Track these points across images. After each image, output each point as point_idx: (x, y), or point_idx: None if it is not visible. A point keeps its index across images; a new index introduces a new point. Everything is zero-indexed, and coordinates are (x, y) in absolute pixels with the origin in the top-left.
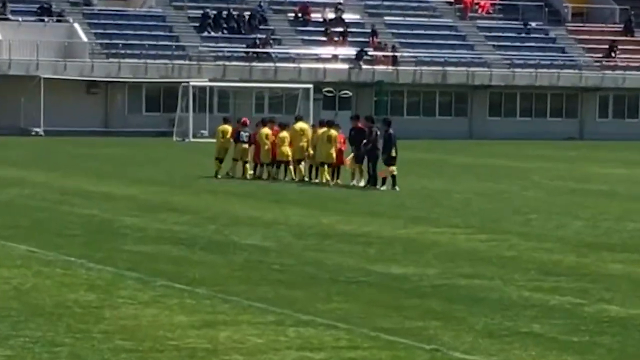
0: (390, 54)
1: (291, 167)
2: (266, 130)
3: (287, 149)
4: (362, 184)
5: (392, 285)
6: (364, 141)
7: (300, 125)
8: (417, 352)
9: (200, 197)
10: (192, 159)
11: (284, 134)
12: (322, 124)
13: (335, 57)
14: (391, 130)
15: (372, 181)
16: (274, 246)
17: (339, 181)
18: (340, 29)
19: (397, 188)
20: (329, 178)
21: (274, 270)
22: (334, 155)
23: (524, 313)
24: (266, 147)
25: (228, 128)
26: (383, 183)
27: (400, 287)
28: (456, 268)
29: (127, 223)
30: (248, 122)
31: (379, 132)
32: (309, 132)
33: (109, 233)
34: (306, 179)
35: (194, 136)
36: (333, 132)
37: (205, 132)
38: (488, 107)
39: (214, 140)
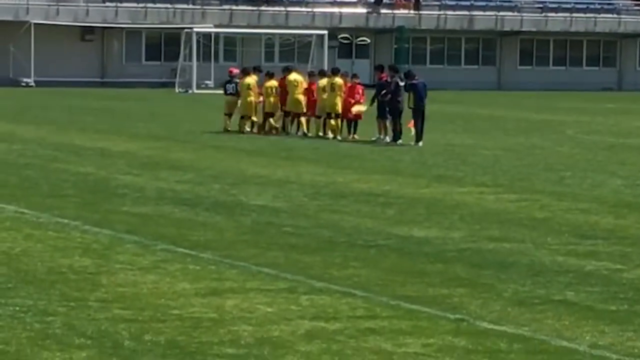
0: None
1: (271, 120)
2: (249, 80)
3: (275, 100)
4: (387, 140)
5: (413, 249)
6: (382, 92)
7: (294, 76)
8: (441, 322)
9: (205, 154)
10: (195, 112)
11: (272, 82)
12: (321, 73)
13: (352, 1)
14: (414, 81)
15: (396, 137)
16: (285, 207)
17: (356, 136)
18: None
19: (420, 144)
20: (335, 130)
21: (285, 233)
22: (339, 105)
23: (557, 279)
24: (249, 99)
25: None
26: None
27: (423, 251)
28: (483, 230)
29: (125, 182)
30: (234, 71)
31: (400, 82)
32: (304, 83)
33: (106, 193)
34: (309, 134)
35: (198, 87)
36: (338, 80)
37: (210, 83)
38: (518, 55)
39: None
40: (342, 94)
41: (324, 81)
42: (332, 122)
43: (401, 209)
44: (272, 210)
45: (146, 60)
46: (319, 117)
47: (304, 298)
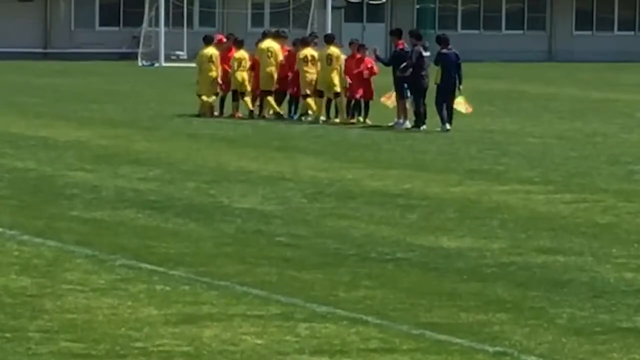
0: None
1: (247, 98)
2: (210, 51)
3: (242, 75)
4: (407, 125)
5: (442, 264)
6: (402, 65)
7: (267, 44)
8: (477, 356)
9: (176, 144)
10: (164, 91)
11: (241, 54)
12: (304, 42)
13: None
14: (445, 50)
15: (419, 122)
16: (278, 211)
17: (368, 120)
18: None
19: (447, 126)
20: (317, 109)
21: (279, 244)
22: (337, 82)
23: (625, 302)
24: (211, 74)
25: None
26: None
27: (454, 266)
28: (531, 240)
29: (75, 180)
30: (222, 39)
31: (423, 52)
32: (279, 54)
33: (51, 194)
34: (311, 119)
35: (167, 59)
36: (334, 50)
37: (182, 54)
38: (574, 17)
39: (194, 65)
40: (339, 68)
41: (306, 52)
42: (310, 100)
43: (426, 213)
44: (262, 215)
45: (101, 25)
46: (305, 96)
47: (303, 327)
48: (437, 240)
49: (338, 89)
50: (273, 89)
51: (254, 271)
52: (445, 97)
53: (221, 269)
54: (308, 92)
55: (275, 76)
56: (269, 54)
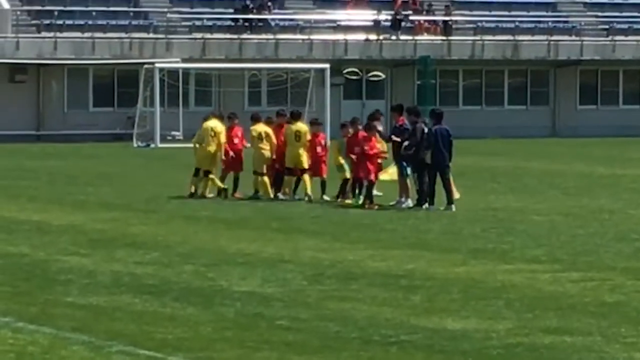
0: (440, 18)
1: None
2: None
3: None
4: (409, 204)
5: (447, 346)
6: (405, 143)
7: (212, 123)
8: None
9: (173, 227)
10: (160, 172)
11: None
12: (254, 118)
13: (360, 25)
14: (436, 127)
15: (422, 199)
16: (278, 293)
17: (325, 196)
18: None
19: (453, 207)
20: (309, 191)
21: (280, 327)
22: (304, 158)
23: None
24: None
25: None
26: (426, 201)
27: (459, 348)
28: (537, 320)
29: (69, 265)
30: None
31: (425, 130)
32: (222, 134)
33: (45, 279)
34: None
35: (162, 140)
36: (302, 126)
37: (178, 134)
38: (578, 92)
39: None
40: (307, 144)
41: (259, 128)
42: (266, 179)
43: (430, 294)
44: (262, 298)
45: (94, 106)
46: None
47: None
48: (441, 321)
49: (305, 165)
50: (211, 168)
51: (254, 356)
52: (436, 174)
53: (221, 354)
54: (262, 170)
55: (217, 155)
56: (212, 133)
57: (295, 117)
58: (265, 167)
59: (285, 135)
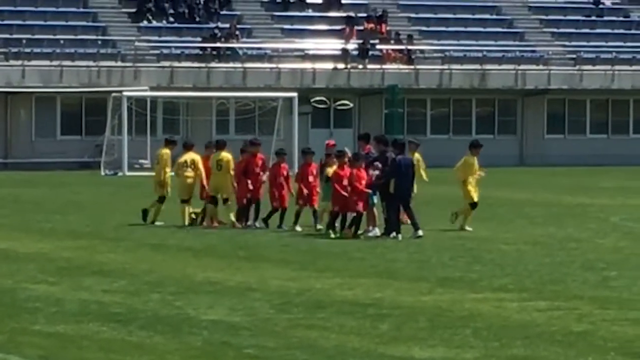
0: (407, 47)
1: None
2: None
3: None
4: (376, 232)
5: None
6: (376, 172)
7: (189, 156)
8: None
9: (140, 255)
10: (128, 200)
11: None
12: (186, 146)
13: (327, 54)
14: (400, 157)
15: (389, 229)
16: (245, 322)
17: (297, 227)
18: (336, 14)
19: (420, 232)
20: (233, 219)
21: (247, 356)
22: (228, 188)
23: None
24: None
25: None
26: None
27: None
28: (504, 349)
29: (37, 293)
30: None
31: (395, 157)
32: (200, 164)
33: (12, 307)
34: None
35: (130, 168)
36: (225, 155)
37: (146, 162)
38: (546, 121)
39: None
40: (231, 172)
41: (186, 156)
42: (187, 207)
43: (397, 323)
44: (229, 327)
45: (62, 134)
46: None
47: None
48: (409, 350)
49: (227, 194)
50: (186, 197)
51: None
52: (398, 204)
53: None
54: (185, 197)
55: (194, 186)
56: (192, 165)
57: (220, 146)
58: (203, 194)
59: (210, 165)
